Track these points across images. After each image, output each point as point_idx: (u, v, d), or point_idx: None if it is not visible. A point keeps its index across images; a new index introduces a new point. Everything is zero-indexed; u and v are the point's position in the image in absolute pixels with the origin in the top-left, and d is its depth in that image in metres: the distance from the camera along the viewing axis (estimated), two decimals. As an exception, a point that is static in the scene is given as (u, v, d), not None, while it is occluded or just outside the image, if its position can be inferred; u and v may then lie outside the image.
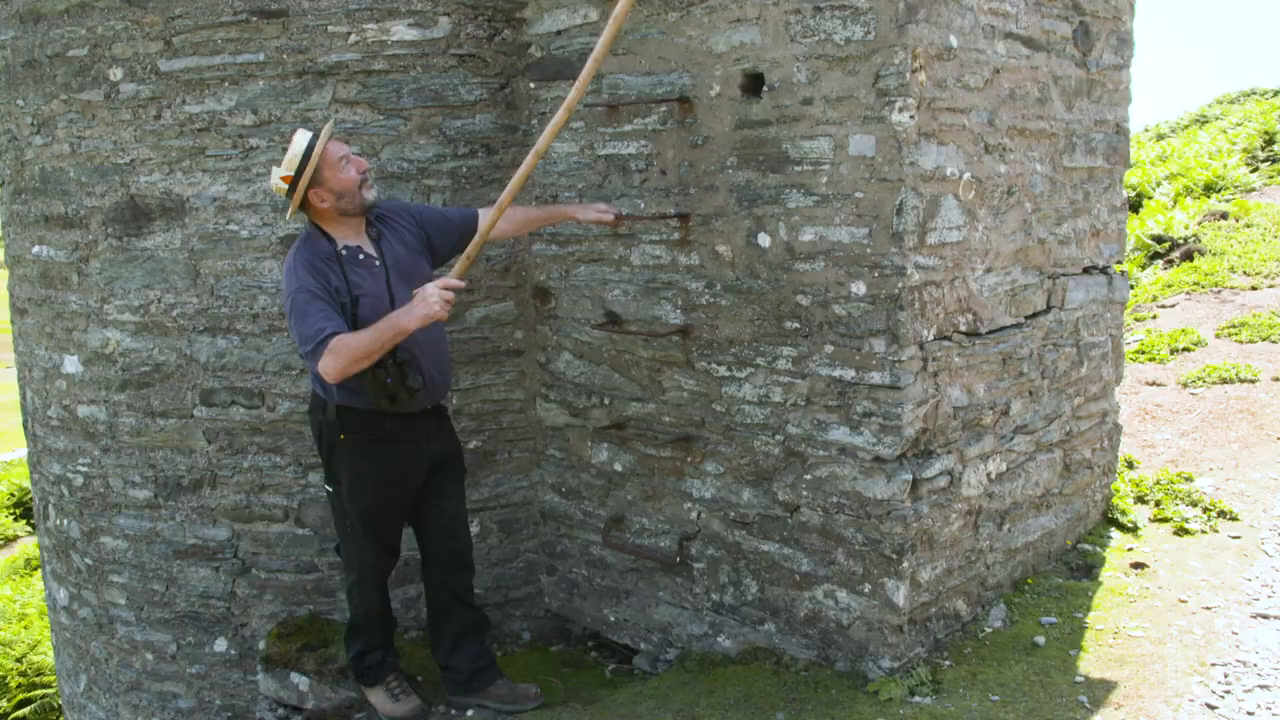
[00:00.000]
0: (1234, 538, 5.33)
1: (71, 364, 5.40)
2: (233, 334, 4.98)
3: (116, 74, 4.98)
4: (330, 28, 4.76)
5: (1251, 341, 8.37)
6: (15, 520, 12.77)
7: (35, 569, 11.34)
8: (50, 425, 5.66)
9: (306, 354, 3.86)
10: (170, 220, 4.99)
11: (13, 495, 12.89)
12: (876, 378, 4.03)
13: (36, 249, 5.50)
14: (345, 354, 3.78)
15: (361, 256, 4.10)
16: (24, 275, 5.71)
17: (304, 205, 4.06)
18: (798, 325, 4.19)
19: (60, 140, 5.22)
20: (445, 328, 4.39)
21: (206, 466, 5.14)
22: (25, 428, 6.14)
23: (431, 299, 3.84)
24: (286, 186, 3.98)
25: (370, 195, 4.11)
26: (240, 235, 4.91)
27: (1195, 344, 8.38)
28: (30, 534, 12.42)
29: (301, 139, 3.98)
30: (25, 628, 10.03)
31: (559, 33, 4.85)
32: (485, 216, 4.26)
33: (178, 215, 4.97)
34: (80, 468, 5.50)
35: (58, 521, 5.77)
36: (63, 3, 5.07)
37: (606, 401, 4.93)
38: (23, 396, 6.10)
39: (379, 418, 4.10)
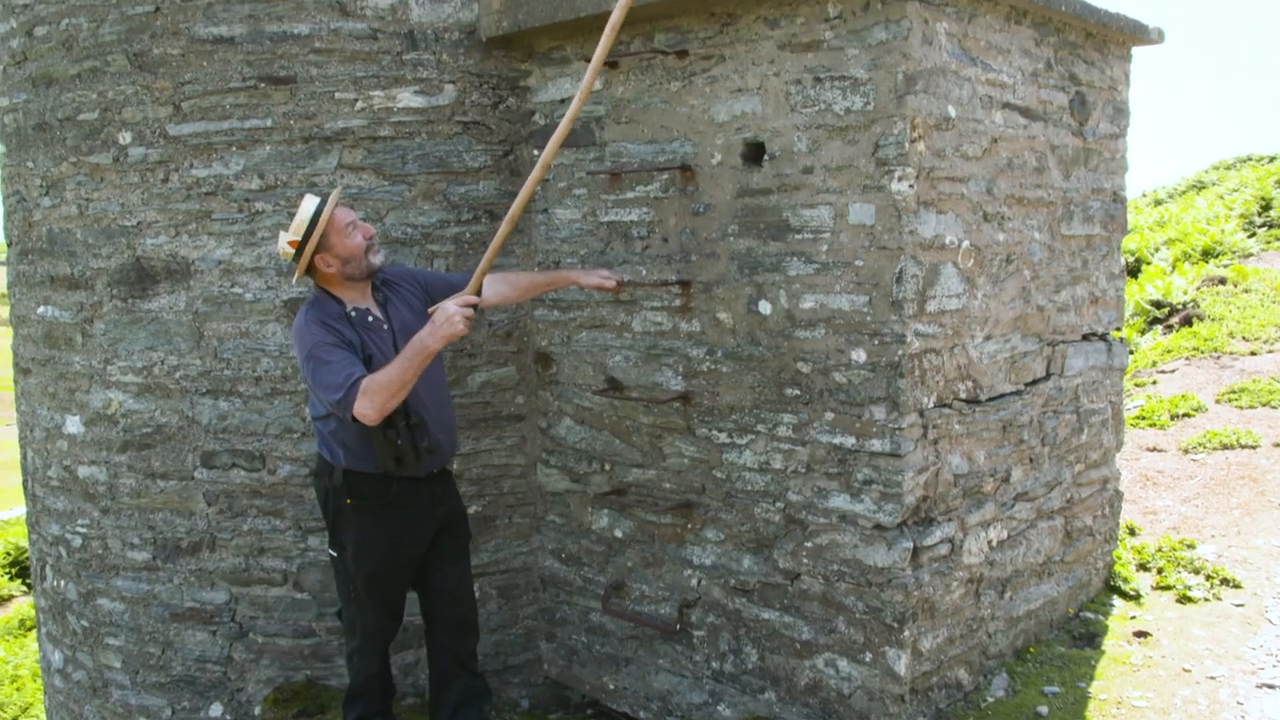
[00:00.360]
0: (1237, 606, 5.30)
1: (73, 424, 5.41)
2: (235, 396, 4.99)
3: (126, 137, 5.04)
4: (337, 94, 4.83)
5: (1252, 407, 8.37)
6: (10, 580, 12.66)
7: (30, 630, 11.25)
8: (50, 485, 5.65)
9: (337, 401, 3.80)
10: (175, 282, 5.02)
11: (8, 554, 12.80)
12: (877, 445, 4.03)
13: (42, 309, 5.53)
14: (379, 391, 3.75)
15: (370, 319, 4.12)
16: (28, 335, 5.73)
17: (310, 270, 4.09)
18: (798, 392, 4.21)
19: (68, 202, 5.27)
20: (450, 391, 4.39)
21: (206, 529, 5.12)
22: (25, 487, 6.13)
23: (455, 316, 3.83)
24: (293, 251, 4.01)
25: (376, 260, 4.14)
26: (244, 298, 4.94)
27: (1195, 409, 8.38)
28: (25, 594, 12.32)
29: (309, 204, 4.02)
30: (18, 689, 9.91)
31: (562, 101, 4.92)
32: (486, 279, 4.29)
33: (183, 278, 5.00)
34: (79, 528, 5.48)
35: (55, 583, 5.74)
36: (75, 67, 5.14)
37: (607, 467, 4.93)
38: (23, 456, 6.09)
39: (386, 482, 4.09)
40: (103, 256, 5.16)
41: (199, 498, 5.12)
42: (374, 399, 3.74)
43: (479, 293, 4.07)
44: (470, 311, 3.89)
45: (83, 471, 5.41)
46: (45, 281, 5.47)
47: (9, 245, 5.92)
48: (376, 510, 4.14)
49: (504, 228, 3.98)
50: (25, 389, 5.89)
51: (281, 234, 4.03)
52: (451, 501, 4.42)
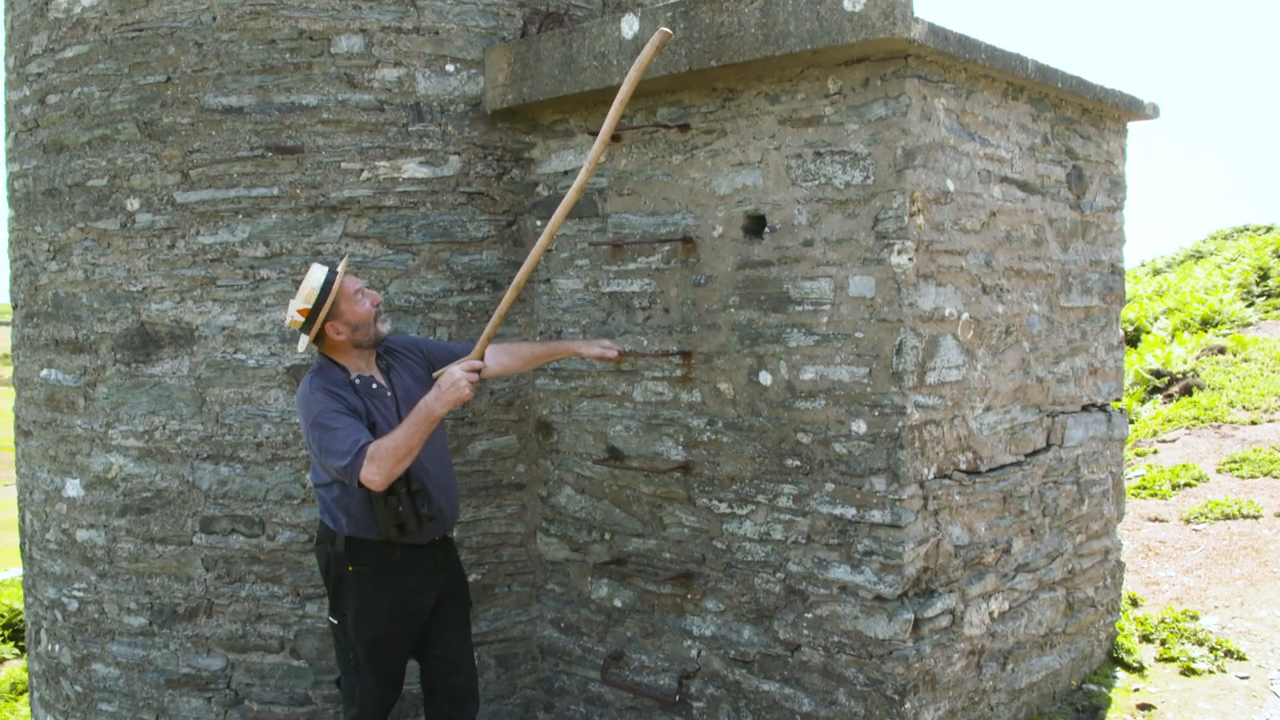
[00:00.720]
0: (1242, 678, 5.26)
1: (73, 487, 5.41)
2: (236, 462, 5.00)
3: (134, 204, 5.09)
4: (343, 164, 4.89)
5: (1253, 477, 8.37)
6: (3, 643, 12.55)
7: (21, 694, 11.12)
8: (48, 548, 5.63)
9: (344, 468, 3.81)
10: (179, 348, 5.05)
11: (2, 617, 12.69)
12: (877, 516, 4.03)
13: (45, 372, 5.56)
14: (386, 456, 3.77)
15: (374, 386, 4.14)
16: (31, 398, 5.75)
17: (319, 337, 4.11)
18: (799, 463, 4.21)
19: (75, 267, 5.31)
20: (451, 459, 4.40)
21: (203, 594, 5.09)
22: (22, 550, 6.11)
23: (460, 380, 3.87)
24: (303, 319, 4.03)
25: (384, 328, 4.17)
26: (247, 364, 4.96)
27: (1197, 479, 8.38)
28: (17, 657, 12.20)
29: (318, 273, 4.04)
30: (8, 754, 9.78)
31: (565, 173, 4.98)
32: (489, 349, 4.32)
33: (186, 343, 5.03)
34: (76, 592, 5.45)
35: (49, 647, 5.70)
36: (86, 135, 5.22)
37: (607, 537, 4.92)
38: (22, 519, 6.08)
39: (388, 549, 4.08)
40: (107, 321, 5.20)
41: (197, 563, 5.10)
42: (381, 465, 3.76)
43: (483, 359, 4.09)
44: (475, 377, 3.92)
45: (81, 535, 5.40)
46: (49, 345, 5.50)
47: (14, 308, 5.96)
48: (378, 577, 4.13)
49: (509, 295, 4.02)
50: (26, 451, 5.89)
51: (291, 302, 4.05)
52: (453, 569, 4.40)
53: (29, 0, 5.53)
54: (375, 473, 3.76)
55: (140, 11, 5.04)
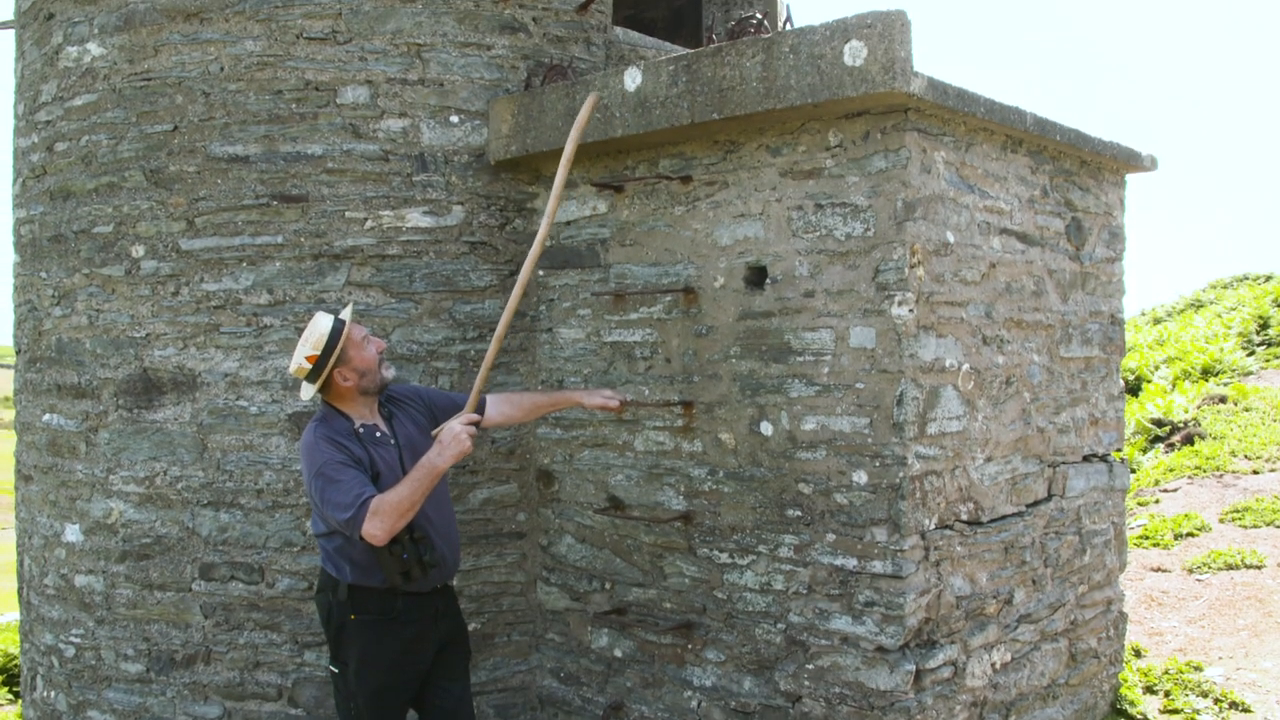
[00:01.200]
0: (1246, 732, 5.22)
1: (73, 533, 5.40)
2: (236, 509, 5.00)
3: (139, 251, 5.13)
4: (348, 213, 4.93)
5: (1256, 526, 8.34)
6: (-2, 687, 12.46)
7: (16, 739, 11.03)
8: (46, 594, 5.62)
9: (346, 521, 3.80)
10: (181, 394, 5.06)
11: (-4, 660, 12.61)
12: (878, 567, 4.02)
13: (47, 417, 5.57)
14: (389, 511, 3.76)
15: (378, 434, 4.14)
16: (32, 442, 5.75)
17: (324, 385, 4.11)
18: (800, 513, 4.21)
19: (79, 312, 5.34)
20: (455, 507, 4.39)
21: (201, 641, 5.07)
22: (20, 595, 6.09)
23: (461, 434, 3.88)
24: (310, 366, 4.03)
25: (389, 374, 4.18)
26: (249, 411, 4.97)
27: (1199, 529, 8.35)
28: (12, 703, 12.12)
29: (324, 320, 4.05)
30: (1, 802, 9.68)
31: (569, 223, 5.02)
32: (491, 399, 4.34)
33: (189, 389, 5.05)
34: (73, 638, 5.43)
35: (45, 693, 5.67)
36: (93, 182, 5.26)
37: (607, 586, 4.91)
38: (20, 564, 6.06)
39: (390, 597, 4.06)
40: (110, 366, 5.21)
41: (196, 610, 5.08)
42: (383, 520, 3.76)
43: (481, 410, 4.10)
44: (474, 430, 3.93)
45: (80, 580, 5.38)
46: (52, 390, 5.52)
47: (18, 353, 5.99)
48: (380, 626, 4.10)
49: (492, 346, 4.07)
50: (26, 496, 5.89)
51: (296, 350, 4.05)
52: (454, 617, 4.39)
53: (40, 49, 5.60)
54: (378, 528, 3.75)
55: (149, 61, 5.11)
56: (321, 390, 4.10)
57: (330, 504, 3.84)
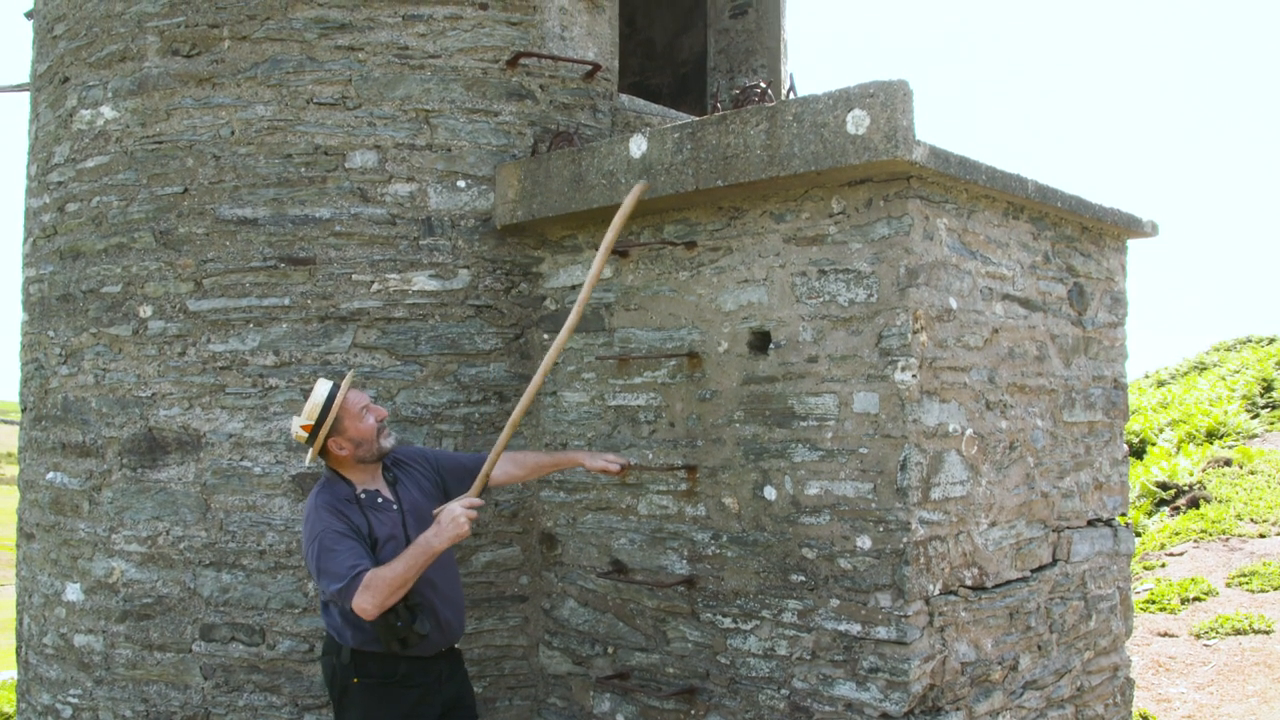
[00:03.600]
0: (1257, 803, 5.15)
1: (73, 592, 5.38)
2: (238, 569, 4.98)
3: (146, 311, 5.17)
4: (354, 276, 4.98)
5: (1263, 590, 8.28)
6: (-6, 747, 12.34)
7: (11, 800, 10.90)
8: (44, 653, 5.59)
9: (337, 591, 3.81)
10: (185, 454, 5.07)
11: (-6, 719, 12.51)
12: (883, 633, 4.00)
13: (51, 475, 5.57)
14: (381, 587, 3.76)
15: (380, 500, 4.15)
16: (35, 500, 5.76)
17: (323, 452, 4.14)
18: (803, 578, 4.20)
19: (85, 371, 5.37)
20: (459, 570, 4.38)
21: (201, 703, 5.04)
22: (18, 654, 6.05)
23: (460, 518, 3.88)
24: (306, 434, 4.06)
25: (388, 443, 4.20)
26: (253, 472, 4.98)
27: (1206, 593, 8.29)
28: (8, 761, 11.98)
29: (322, 389, 4.08)
30: None
31: (573, 287, 5.05)
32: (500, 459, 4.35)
33: (193, 449, 5.06)
34: (70, 698, 5.39)
35: (42, 756, 5.62)
36: (103, 242, 5.32)
37: (610, 650, 4.88)
38: (19, 622, 6.04)
39: (394, 661, 4.04)
40: (115, 425, 5.23)
41: (195, 671, 5.05)
42: (374, 596, 3.76)
43: (484, 492, 4.14)
44: (474, 514, 3.94)
45: (79, 640, 5.36)
46: (56, 448, 5.53)
47: (24, 410, 6.01)
48: (384, 689, 4.07)
49: (508, 428, 4.11)
50: (27, 554, 5.88)
51: (295, 419, 4.09)
52: (460, 681, 4.34)
53: (54, 112, 5.69)
54: (368, 602, 3.75)
55: (161, 125, 5.18)
56: (321, 456, 4.13)
57: (324, 573, 3.85)
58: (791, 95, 4.70)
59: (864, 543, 4.04)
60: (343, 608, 3.86)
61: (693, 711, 4.56)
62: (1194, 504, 10.74)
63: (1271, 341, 18.55)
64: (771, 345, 4.31)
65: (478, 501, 4.01)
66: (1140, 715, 6.16)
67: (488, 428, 5.08)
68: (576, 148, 4.88)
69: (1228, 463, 11.77)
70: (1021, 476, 4.63)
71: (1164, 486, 11.39)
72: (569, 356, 5.05)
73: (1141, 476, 11.64)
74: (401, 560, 3.81)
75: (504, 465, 4.47)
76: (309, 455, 4.13)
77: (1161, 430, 13.84)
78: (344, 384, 4.13)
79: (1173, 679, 6.90)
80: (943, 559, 4.13)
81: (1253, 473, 11.29)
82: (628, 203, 4.28)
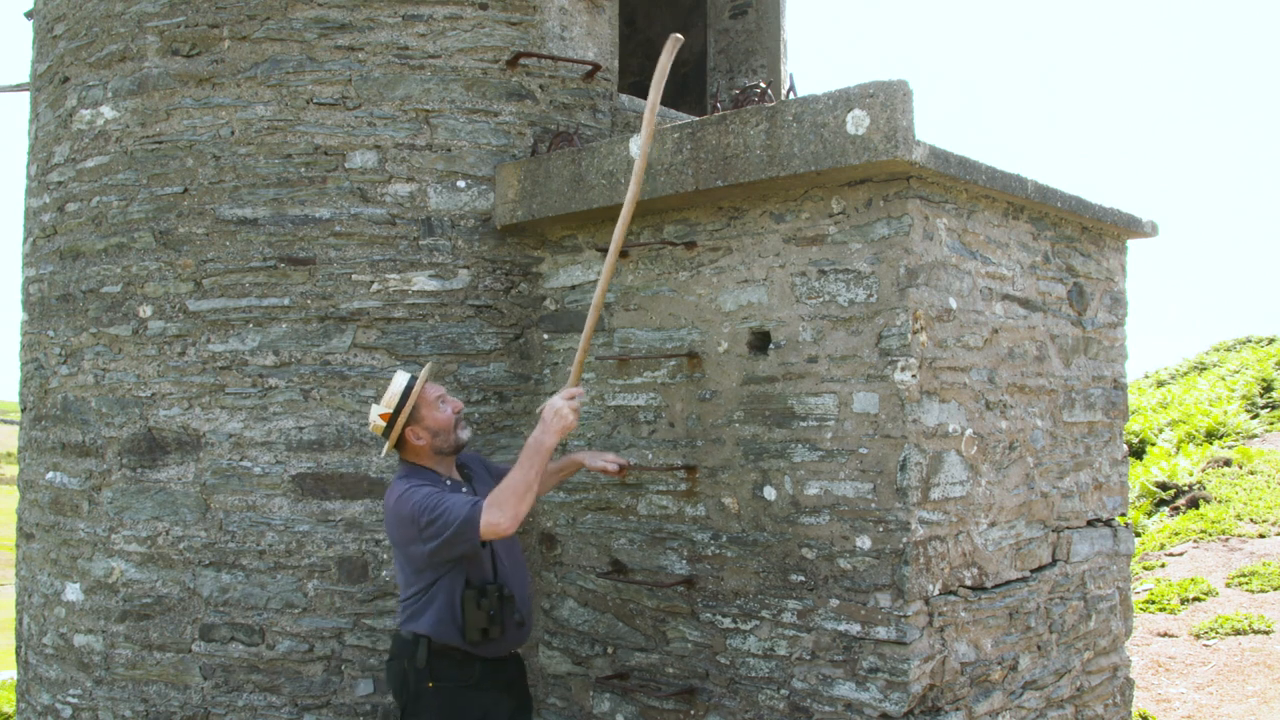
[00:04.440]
0: (1256, 804, 5.15)
1: (73, 592, 5.38)
2: (238, 569, 4.98)
3: (146, 311, 5.17)
4: (354, 276, 4.98)
5: (1263, 591, 8.28)
6: (-7, 747, 12.34)
7: (9, 800, 10.89)
8: (44, 653, 5.59)
9: (462, 522, 3.73)
10: (185, 454, 5.07)
11: (-7, 719, 12.50)
12: (882, 633, 4.00)
13: (50, 475, 5.57)
14: (508, 497, 3.75)
15: (464, 491, 4.12)
16: (35, 500, 5.76)
17: (400, 443, 4.12)
18: (803, 578, 4.20)
19: (85, 371, 5.37)
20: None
21: (200, 703, 5.04)
22: (17, 654, 6.06)
23: (563, 409, 3.91)
24: (384, 424, 4.06)
25: (465, 435, 4.18)
26: (253, 472, 4.98)
27: (1206, 594, 8.30)
28: (8, 761, 11.98)
29: (401, 378, 4.10)
30: None
31: (573, 287, 5.05)
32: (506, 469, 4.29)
33: (193, 449, 5.06)
34: (70, 698, 5.39)
35: (42, 756, 5.62)
36: (102, 242, 5.32)
37: (610, 651, 4.88)
38: (19, 622, 6.04)
39: (469, 664, 3.98)
40: (115, 425, 5.23)
41: (195, 671, 5.05)
42: (504, 506, 3.74)
43: (578, 385, 4.15)
44: (577, 404, 3.97)
45: (79, 640, 5.36)
46: (56, 448, 5.53)
47: (24, 410, 6.01)
48: (459, 693, 3.99)
49: (592, 313, 4.13)
50: (27, 554, 5.88)
51: (374, 407, 4.10)
52: (524, 687, 4.28)
53: (54, 112, 5.69)
54: (499, 515, 3.73)
55: (161, 125, 5.18)
56: (397, 448, 4.13)
57: (441, 523, 3.78)
58: (791, 95, 4.70)
59: (864, 543, 4.04)
60: (470, 543, 3.79)
61: (692, 711, 4.56)
62: (1194, 504, 10.74)
63: (1271, 342, 18.55)
64: (771, 345, 4.31)
65: (578, 391, 4.02)
66: (1140, 715, 6.16)
67: (488, 428, 5.08)
68: (576, 148, 4.88)
69: (1227, 463, 11.77)
70: (1021, 476, 4.63)
71: (1164, 487, 11.39)
72: (568, 356, 5.04)
73: (1141, 477, 11.64)
74: (517, 468, 3.81)
75: None
76: (385, 446, 4.13)
77: (1161, 430, 13.84)
78: (422, 373, 4.15)
79: (1172, 679, 6.90)
80: (942, 559, 4.13)
81: (1252, 473, 11.29)
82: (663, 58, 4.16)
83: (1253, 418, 13.79)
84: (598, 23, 5.51)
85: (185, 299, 5.09)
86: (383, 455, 4.25)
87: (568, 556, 5.05)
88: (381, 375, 4.96)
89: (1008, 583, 4.54)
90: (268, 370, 4.99)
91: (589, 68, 5.39)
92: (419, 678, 3.98)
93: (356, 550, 4.95)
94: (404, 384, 4.08)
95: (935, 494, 4.08)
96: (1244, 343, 19.16)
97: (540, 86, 5.28)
